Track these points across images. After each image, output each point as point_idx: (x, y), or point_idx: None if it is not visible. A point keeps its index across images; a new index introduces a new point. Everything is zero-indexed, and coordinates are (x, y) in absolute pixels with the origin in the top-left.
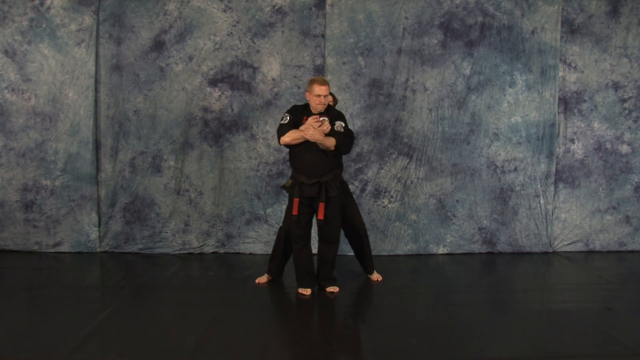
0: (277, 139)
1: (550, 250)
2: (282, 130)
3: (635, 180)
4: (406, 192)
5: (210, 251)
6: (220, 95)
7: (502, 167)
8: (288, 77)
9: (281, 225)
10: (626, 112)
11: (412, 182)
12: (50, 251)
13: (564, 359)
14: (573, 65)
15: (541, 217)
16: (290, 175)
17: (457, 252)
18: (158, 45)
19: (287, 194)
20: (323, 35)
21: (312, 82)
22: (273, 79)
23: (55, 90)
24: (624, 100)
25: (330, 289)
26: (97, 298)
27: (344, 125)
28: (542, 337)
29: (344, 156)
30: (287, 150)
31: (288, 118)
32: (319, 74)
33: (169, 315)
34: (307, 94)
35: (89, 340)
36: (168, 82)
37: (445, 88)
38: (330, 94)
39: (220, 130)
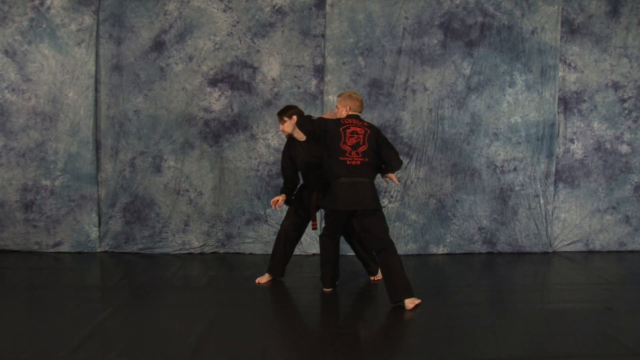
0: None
1: (550, 250)
2: None
3: (635, 180)
4: (406, 192)
5: (210, 251)
6: (220, 95)
7: (502, 167)
8: (288, 77)
9: (282, 222)
10: (626, 112)
11: (412, 182)
12: (50, 251)
13: (564, 359)
14: (573, 65)
15: (541, 217)
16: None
17: (457, 252)
18: (158, 45)
19: None
20: (323, 35)
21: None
22: (273, 79)
23: (56, 90)
24: (623, 100)
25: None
26: (97, 298)
27: None
28: (542, 337)
29: None
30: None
31: None
32: (319, 74)
33: (169, 315)
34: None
35: (89, 340)
36: (168, 82)
37: (445, 88)
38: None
39: (220, 130)
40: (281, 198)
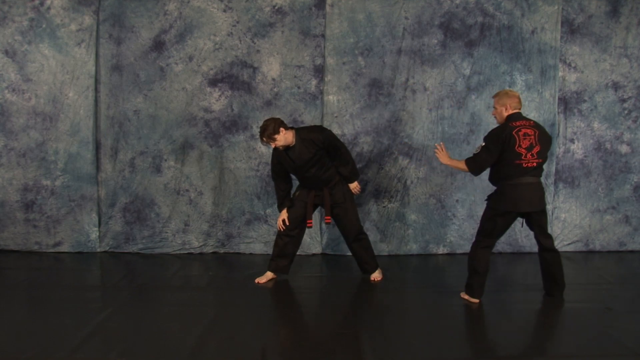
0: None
1: None
2: None
3: (635, 180)
4: (406, 192)
5: (210, 251)
6: (220, 95)
7: None
8: (288, 77)
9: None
10: (626, 112)
11: (412, 182)
12: (50, 251)
13: (564, 359)
14: (573, 65)
15: None
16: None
17: (457, 252)
18: (158, 45)
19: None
20: (323, 35)
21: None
22: (273, 79)
23: (56, 90)
24: (623, 100)
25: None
26: (97, 298)
27: None
28: (542, 337)
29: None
30: None
31: None
32: (319, 74)
33: (169, 315)
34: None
35: (89, 340)
36: (168, 82)
37: (445, 88)
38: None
39: (220, 130)
40: (283, 215)
